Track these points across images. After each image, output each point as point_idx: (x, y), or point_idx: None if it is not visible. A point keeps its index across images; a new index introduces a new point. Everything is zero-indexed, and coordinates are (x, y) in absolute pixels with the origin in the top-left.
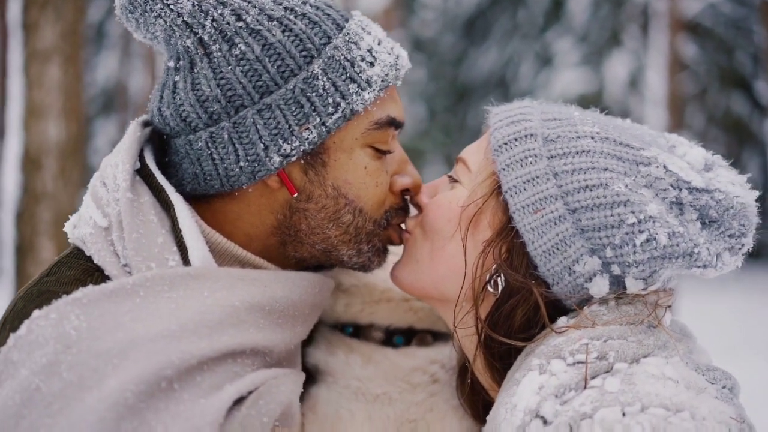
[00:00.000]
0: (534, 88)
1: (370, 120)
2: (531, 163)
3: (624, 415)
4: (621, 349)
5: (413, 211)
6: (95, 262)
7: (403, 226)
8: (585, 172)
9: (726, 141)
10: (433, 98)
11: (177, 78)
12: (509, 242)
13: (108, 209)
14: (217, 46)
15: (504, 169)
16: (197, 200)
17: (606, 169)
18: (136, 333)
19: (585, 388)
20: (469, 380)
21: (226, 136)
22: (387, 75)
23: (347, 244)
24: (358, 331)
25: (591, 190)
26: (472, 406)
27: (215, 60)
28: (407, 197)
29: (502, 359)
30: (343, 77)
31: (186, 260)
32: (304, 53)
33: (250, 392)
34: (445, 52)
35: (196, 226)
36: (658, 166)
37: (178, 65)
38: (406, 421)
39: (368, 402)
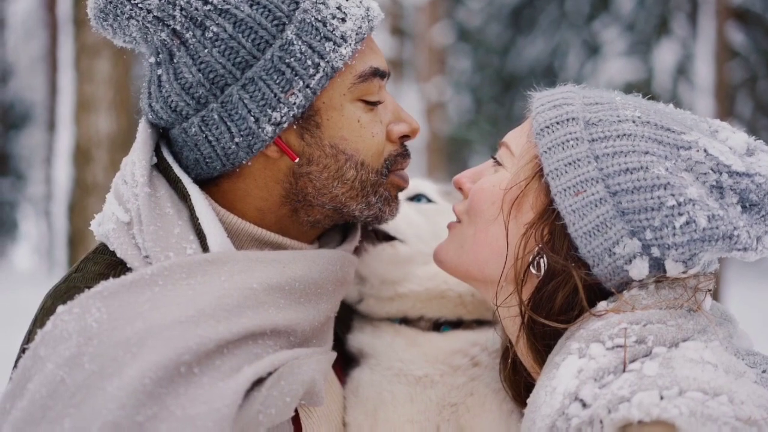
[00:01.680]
0: (581, 77)
1: (353, 74)
2: (572, 146)
3: (662, 398)
4: (660, 333)
5: (460, 197)
6: (118, 255)
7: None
8: (626, 155)
9: None
10: (479, 88)
11: (160, 71)
12: (551, 224)
13: (129, 205)
14: (191, 33)
15: (546, 152)
16: (206, 185)
17: (647, 153)
18: (154, 321)
19: (624, 371)
20: (510, 361)
21: (216, 117)
22: (360, 28)
23: (355, 199)
24: (406, 320)
25: (631, 173)
26: (513, 388)
27: (191, 46)
28: (406, 143)
29: (544, 341)
30: (318, 38)
31: (205, 247)
32: (275, 22)
33: (270, 373)
34: (491, 41)
35: (212, 212)
36: (698, 150)
37: (158, 59)
38: (448, 405)
39: (410, 384)
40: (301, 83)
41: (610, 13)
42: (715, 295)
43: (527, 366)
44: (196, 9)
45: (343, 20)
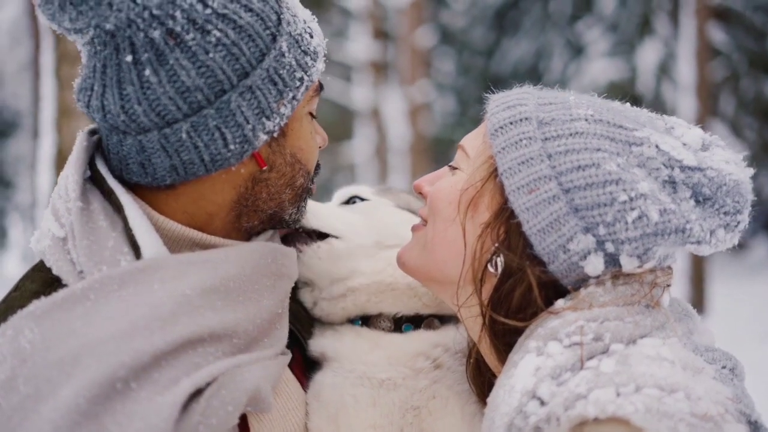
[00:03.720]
0: (565, 78)
1: (313, 88)
2: (525, 145)
3: (618, 395)
4: (617, 330)
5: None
6: (54, 272)
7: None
8: (578, 153)
9: (758, 127)
10: (464, 90)
11: (147, 72)
12: (506, 223)
13: (63, 220)
14: (191, 35)
15: (500, 151)
16: (160, 188)
17: (598, 150)
18: (87, 338)
19: (581, 369)
20: (474, 360)
21: (210, 123)
22: (320, 44)
23: (294, 205)
24: (366, 322)
25: (583, 170)
26: (479, 387)
27: (191, 49)
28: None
29: (505, 340)
30: (299, 51)
31: (140, 258)
32: (268, 32)
33: (210, 383)
34: (475, 43)
35: (147, 221)
36: (650, 146)
37: (138, 58)
38: (410, 408)
39: (373, 387)
40: (290, 95)
41: (593, 14)
42: (700, 291)
43: (491, 365)
44: (197, 11)
45: (311, 36)
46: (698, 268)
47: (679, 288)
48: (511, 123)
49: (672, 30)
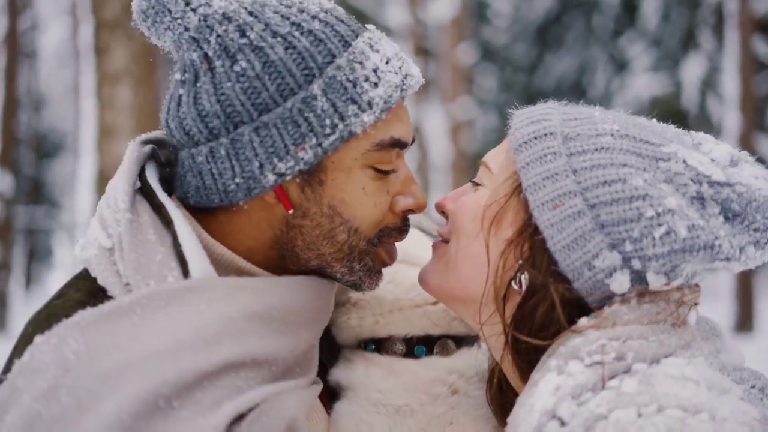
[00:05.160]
0: (609, 93)
1: (371, 141)
2: (550, 160)
3: (639, 416)
4: (640, 349)
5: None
6: (99, 283)
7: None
8: (603, 168)
9: None
10: (506, 106)
11: (182, 91)
12: (531, 239)
13: (111, 230)
14: (220, 61)
15: (524, 167)
16: (203, 213)
17: (625, 165)
18: (132, 353)
19: (602, 389)
20: (496, 380)
21: (223, 152)
22: (390, 96)
23: (340, 262)
24: (379, 347)
25: (609, 185)
26: (500, 408)
27: (217, 75)
28: (408, 218)
29: (528, 359)
30: (344, 98)
31: (187, 275)
32: (305, 72)
33: (251, 409)
34: (517, 59)
35: (196, 239)
36: (677, 162)
37: (183, 78)
38: None
39: (389, 414)
40: (314, 140)
41: (636, 29)
42: (747, 308)
43: (513, 385)
44: (232, 39)
45: (375, 85)
46: (746, 285)
47: (725, 305)
48: (535, 138)
49: (716, 44)
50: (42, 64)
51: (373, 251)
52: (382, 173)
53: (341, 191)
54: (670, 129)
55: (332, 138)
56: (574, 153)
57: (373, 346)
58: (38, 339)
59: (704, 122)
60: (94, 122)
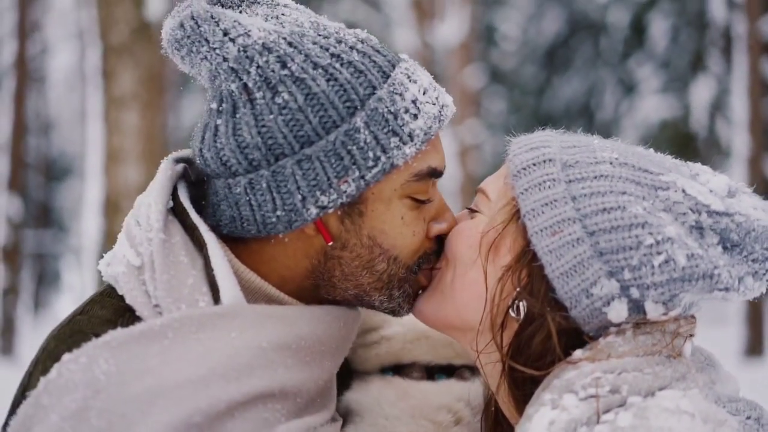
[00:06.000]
0: (617, 115)
1: (409, 172)
2: (549, 186)
3: None
4: (635, 382)
5: None
6: (127, 301)
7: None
8: (603, 195)
9: None
10: (515, 130)
11: (219, 121)
12: (529, 266)
13: (141, 248)
14: (261, 93)
15: (522, 193)
16: (234, 240)
17: (624, 193)
18: (164, 378)
19: (597, 423)
20: (493, 410)
21: (264, 184)
22: (430, 128)
23: (380, 291)
24: (399, 372)
25: (609, 213)
26: None
27: (258, 107)
28: (443, 240)
29: (525, 390)
30: (386, 130)
31: (217, 300)
32: (347, 104)
33: None
34: (525, 82)
35: (228, 265)
36: (676, 191)
37: (220, 108)
38: None
39: None
40: (356, 173)
41: (645, 51)
42: (758, 332)
43: (508, 416)
44: (273, 71)
45: (415, 117)
46: (756, 310)
47: (735, 330)
48: (534, 164)
49: (724, 66)
50: (51, 88)
51: (413, 278)
52: (420, 202)
53: (381, 222)
54: (668, 159)
55: (375, 171)
56: (574, 180)
57: (392, 372)
58: (66, 357)
59: (713, 144)
60: (101, 146)
